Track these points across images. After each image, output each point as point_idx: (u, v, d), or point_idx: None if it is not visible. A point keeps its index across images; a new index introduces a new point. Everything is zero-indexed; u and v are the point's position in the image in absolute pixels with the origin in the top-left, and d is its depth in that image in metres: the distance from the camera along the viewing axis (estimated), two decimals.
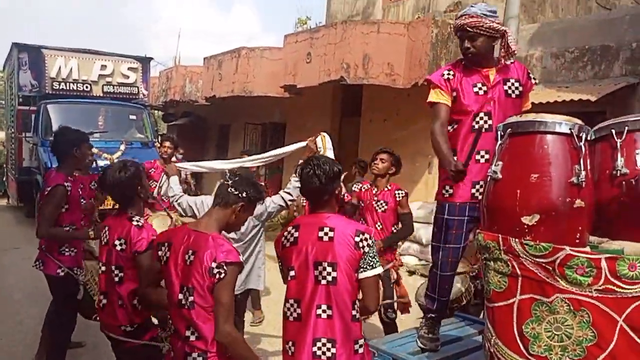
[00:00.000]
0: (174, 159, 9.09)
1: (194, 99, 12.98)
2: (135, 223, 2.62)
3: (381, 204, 4.23)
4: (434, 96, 2.80)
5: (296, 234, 2.31)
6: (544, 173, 1.81)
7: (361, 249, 2.21)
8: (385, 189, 4.25)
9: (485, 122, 2.68)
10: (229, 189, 2.28)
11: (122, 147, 8.47)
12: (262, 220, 3.58)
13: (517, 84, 2.79)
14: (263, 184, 5.72)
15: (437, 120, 2.76)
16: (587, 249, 1.83)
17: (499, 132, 1.98)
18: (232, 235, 3.25)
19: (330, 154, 3.48)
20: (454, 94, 2.76)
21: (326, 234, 2.24)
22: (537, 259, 1.77)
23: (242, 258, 3.41)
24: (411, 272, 7.59)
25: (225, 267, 2.06)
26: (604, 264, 1.70)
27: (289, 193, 3.53)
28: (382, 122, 9.40)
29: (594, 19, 6.65)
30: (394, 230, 4.24)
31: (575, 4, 8.74)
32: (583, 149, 1.82)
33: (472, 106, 2.72)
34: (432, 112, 2.83)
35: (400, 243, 8.19)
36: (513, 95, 2.77)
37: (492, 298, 1.89)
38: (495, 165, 1.93)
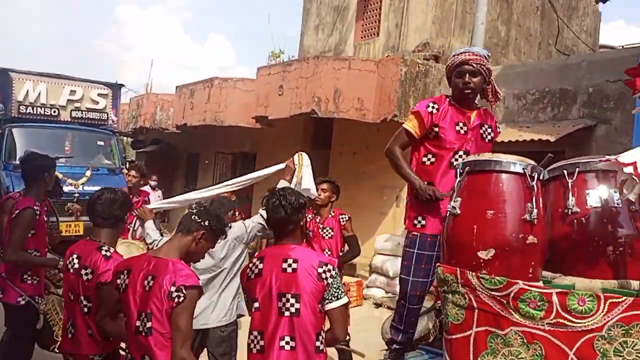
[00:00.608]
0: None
1: (165, 127, 12.93)
2: (103, 253, 2.59)
3: (327, 230, 4.33)
4: (409, 124, 2.89)
5: (261, 266, 2.34)
6: (499, 210, 1.90)
7: (324, 280, 2.24)
8: (329, 216, 4.36)
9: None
10: (192, 217, 2.31)
11: (88, 173, 8.34)
12: (245, 242, 3.50)
13: (489, 130, 2.94)
14: (237, 213, 5.69)
15: (398, 142, 2.89)
16: (540, 283, 1.91)
17: (458, 170, 2.07)
18: (208, 260, 3.18)
19: (307, 170, 3.53)
20: (435, 129, 2.82)
21: (290, 265, 2.27)
22: (492, 292, 1.84)
23: (226, 283, 3.37)
24: (377, 305, 7.60)
25: (184, 291, 2.06)
26: (555, 298, 1.78)
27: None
28: (352, 155, 9.54)
29: (554, 63, 7.01)
30: (342, 252, 4.40)
31: (537, 49, 9.22)
32: (535, 188, 1.91)
33: (454, 143, 2.81)
34: (397, 132, 2.94)
35: (369, 276, 8.29)
36: (486, 140, 2.91)
37: (450, 330, 1.94)
38: (454, 201, 2.01)
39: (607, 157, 1.86)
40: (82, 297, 2.57)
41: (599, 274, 1.96)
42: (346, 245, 4.46)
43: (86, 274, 2.55)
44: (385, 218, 8.89)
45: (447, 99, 2.91)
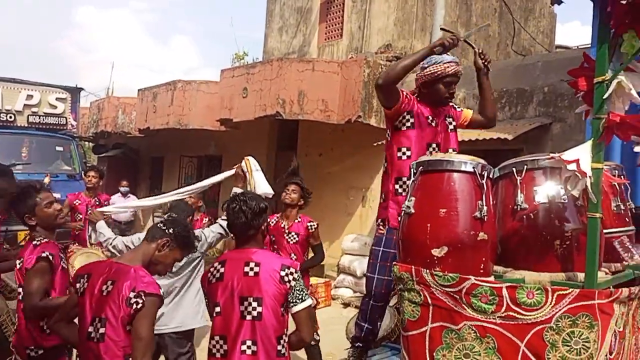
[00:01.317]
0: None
1: (127, 131, 12.67)
2: (34, 242, 2.60)
3: (292, 236, 4.28)
4: None
5: (222, 270, 2.33)
6: (451, 208, 1.95)
7: (287, 283, 2.25)
8: (296, 221, 4.32)
9: (437, 152, 2.84)
10: (158, 225, 2.30)
11: (47, 180, 8.08)
12: (202, 251, 3.55)
13: (451, 119, 3.03)
14: (207, 219, 5.63)
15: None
16: (491, 278, 1.97)
17: (412, 170, 2.11)
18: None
19: (258, 175, 3.55)
20: (411, 119, 2.88)
21: (252, 269, 2.27)
22: (446, 289, 1.88)
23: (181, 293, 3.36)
24: (346, 305, 7.64)
25: (143, 297, 2.03)
26: (505, 292, 1.84)
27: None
28: (318, 157, 9.58)
29: (511, 64, 7.20)
30: (306, 259, 4.39)
31: (496, 50, 9.45)
32: (485, 186, 1.97)
33: (427, 136, 2.87)
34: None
35: (337, 276, 8.33)
36: (449, 130, 3.00)
37: (407, 327, 1.98)
38: (408, 200, 2.05)
39: (552, 155, 1.94)
40: (20, 289, 2.60)
41: (547, 268, 2.03)
42: (311, 251, 4.43)
43: (19, 263, 2.59)
44: (352, 218, 8.96)
45: (415, 96, 2.99)
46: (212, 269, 2.39)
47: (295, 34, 10.62)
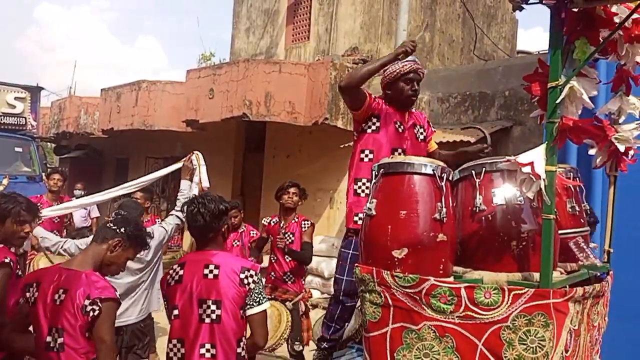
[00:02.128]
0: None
1: (90, 131, 12.37)
2: None
3: (289, 236, 4.31)
4: None
5: (181, 272, 2.30)
6: (411, 210, 1.97)
7: (246, 285, 2.23)
8: (293, 222, 4.34)
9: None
10: (108, 225, 2.24)
11: (5, 182, 7.80)
12: (164, 243, 3.66)
13: (422, 130, 3.07)
14: (158, 221, 5.53)
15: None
16: (451, 279, 2.00)
17: (373, 172, 2.13)
18: (136, 264, 3.28)
19: (203, 169, 3.70)
20: (377, 122, 2.91)
21: (211, 271, 2.24)
22: (406, 290, 1.91)
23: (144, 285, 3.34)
24: (314, 306, 7.64)
25: (99, 304, 1.99)
26: (463, 292, 1.87)
27: (181, 210, 3.53)
28: (285, 158, 9.56)
29: (474, 68, 7.36)
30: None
31: (459, 55, 9.64)
32: (444, 188, 2.01)
33: (393, 141, 2.89)
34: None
35: (305, 278, 8.32)
36: (419, 139, 3.03)
37: (368, 328, 1.99)
38: (370, 202, 2.07)
39: (508, 157, 1.98)
40: None
41: (505, 268, 2.07)
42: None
43: None
44: (319, 220, 8.96)
45: (382, 100, 3.01)
46: (171, 272, 2.35)
47: (263, 36, 10.58)
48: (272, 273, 4.42)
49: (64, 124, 13.22)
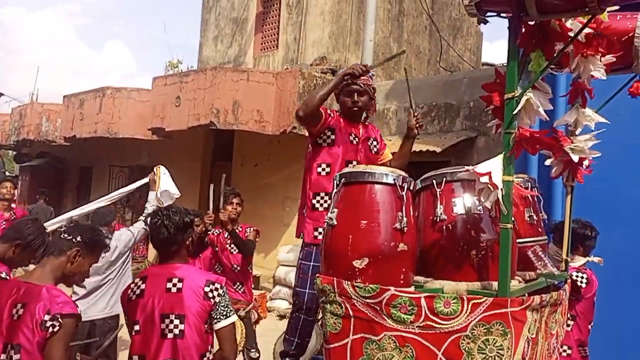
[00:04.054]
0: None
1: (52, 139, 12.03)
2: None
3: (234, 246, 4.28)
4: None
5: (143, 286, 2.23)
6: (372, 219, 1.96)
7: (211, 299, 2.19)
8: (237, 230, 4.29)
9: None
10: (62, 236, 2.15)
11: None
12: (130, 247, 3.85)
13: (375, 143, 3.09)
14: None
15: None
16: (411, 288, 2.00)
17: (334, 182, 2.12)
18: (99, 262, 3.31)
19: (165, 177, 3.88)
20: (332, 135, 2.91)
21: (175, 285, 2.19)
22: (367, 300, 1.89)
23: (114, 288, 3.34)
24: (281, 317, 7.58)
25: (60, 320, 1.90)
26: (423, 302, 1.87)
27: (145, 221, 3.73)
28: (253, 167, 9.51)
29: (440, 79, 7.49)
30: (250, 270, 4.45)
31: (426, 65, 9.80)
32: (405, 197, 2.01)
33: (348, 154, 2.89)
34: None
35: (272, 288, 8.23)
36: (373, 152, 3.04)
37: (329, 339, 1.97)
38: (331, 212, 2.05)
39: (467, 167, 2.00)
40: None
41: (465, 277, 2.08)
42: (254, 267, 4.55)
43: None
44: (287, 229, 8.93)
45: (338, 113, 3.02)
46: (132, 286, 2.28)
47: (231, 44, 10.53)
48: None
49: (25, 131, 12.83)
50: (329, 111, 2.94)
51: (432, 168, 2.33)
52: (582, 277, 3.14)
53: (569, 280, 2.56)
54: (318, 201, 2.86)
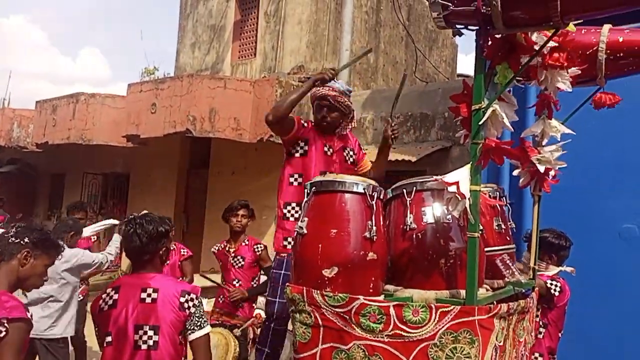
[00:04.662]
0: None
1: (23, 145, 11.77)
2: None
3: (238, 260, 4.16)
4: None
5: (116, 296, 2.20)
6: (342, 228, 1.97)
7: (187, 309, 2.17)
8: (243, 244, 4.21)
9: None
10: (9, 240, 2.10)
11: None
12: (88, 270, 3.83)
13: (351, 153, 3.10)
14: (96, 237, 5.34)
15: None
16: (381, 297, 2.01)
17: (306, 190, 2.13)
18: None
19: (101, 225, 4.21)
20: (305, 146, 2.91)
21: (149, 295, 2.16)
22: (336, 309, 1.89)
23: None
24: (257, 327, 7.51)
25: (6, 325, 1.85)
26: (392, 311, 1.88)
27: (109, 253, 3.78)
28: (230, 175, 9.44)
29: (416, 89, 7.57)
30: (254, 284, 4.23)
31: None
32: (375, 206, 2.02)
33: (321, 165, 2.89)
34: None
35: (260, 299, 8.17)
36: (349, 162, 3.05)
37: (298, 349, 1.96)
38: (301, 221, 2.05)
39: (436, 177, 2.03)
40: None
41: (434, 285, 2.10)
42: (263, 276, 4.23)
43: None
44: (264, 238, 8.87)
45: (311, 124, 3.02)
46: (104, 296, 2.25)
47: (209, 51, 10.49)
48: (221, 297, 4.26)
49: None
50: (302, 121, 2.95)
51: (407, 177, 2.35)
52: (555, 285, 3.20)
53: (536, 289, 2.61)
54: (289, 211, 2.86)
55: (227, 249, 4.24)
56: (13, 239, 2.10)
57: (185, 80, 7.96)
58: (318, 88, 2.96)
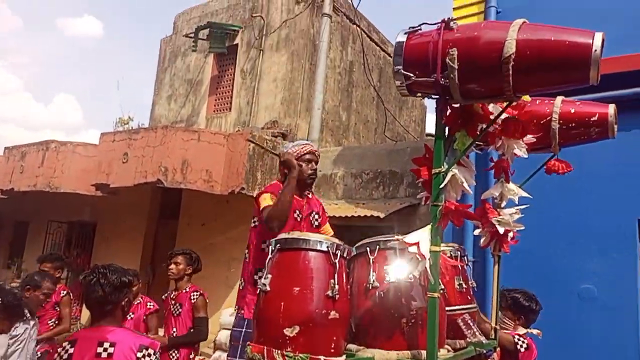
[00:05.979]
0: None
1: None
2: None
3: (177, 307, 4.10)
4: (267, 200, 2.90)
5: (71, 350, 2.14)
6: (305, 286, 1.98)
7: None
8: (184, 291, 4.14)
9: None
10: None
11: None
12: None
13: (317, 217, 3.15)
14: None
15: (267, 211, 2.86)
16: (342, 357, 2.00)
17: (270, 247, 2.14)
18: None
19: None
20: None
21: (105, 349, 2.11)
22: None
23: None
24: None
25: None
26: None
27: None
28: (200, 226, 9.35)
29: (385, 148, 7.78)
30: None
31: (374, 134, 10.19)
32: (338, 265, 2.05)
33: (291, 230, 2.88)
34: (262, 209, 2.88)
35: (212, 353, 7.90)
36: (314, 225, 3.11)
37: None
38: (265, 278, 2.06)
39: (397, 237, 2.08)
40: None
41: (395, 346, 2.11)
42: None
43: None
44: (232, 291, 8.71)
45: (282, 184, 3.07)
46: (60, 350, 2.18)
47: (184, 104, 10.63)
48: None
49: None
50: (271, 189, 2.99)
51: (376, 233, 2.40)
52: (522, 342, 3.22)
53: (498, 349, 2.64)
54: (260, 277, 2.84)
55: (171, 295, 4.19)
56: None
57: (160, 131, 8.00)
58: (302, 145, 3.07)
